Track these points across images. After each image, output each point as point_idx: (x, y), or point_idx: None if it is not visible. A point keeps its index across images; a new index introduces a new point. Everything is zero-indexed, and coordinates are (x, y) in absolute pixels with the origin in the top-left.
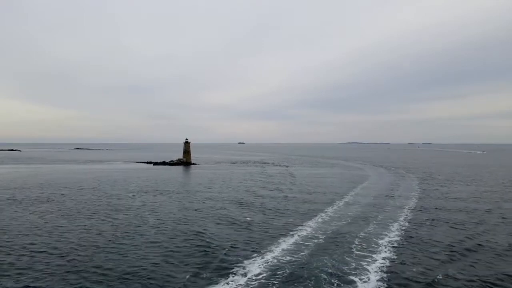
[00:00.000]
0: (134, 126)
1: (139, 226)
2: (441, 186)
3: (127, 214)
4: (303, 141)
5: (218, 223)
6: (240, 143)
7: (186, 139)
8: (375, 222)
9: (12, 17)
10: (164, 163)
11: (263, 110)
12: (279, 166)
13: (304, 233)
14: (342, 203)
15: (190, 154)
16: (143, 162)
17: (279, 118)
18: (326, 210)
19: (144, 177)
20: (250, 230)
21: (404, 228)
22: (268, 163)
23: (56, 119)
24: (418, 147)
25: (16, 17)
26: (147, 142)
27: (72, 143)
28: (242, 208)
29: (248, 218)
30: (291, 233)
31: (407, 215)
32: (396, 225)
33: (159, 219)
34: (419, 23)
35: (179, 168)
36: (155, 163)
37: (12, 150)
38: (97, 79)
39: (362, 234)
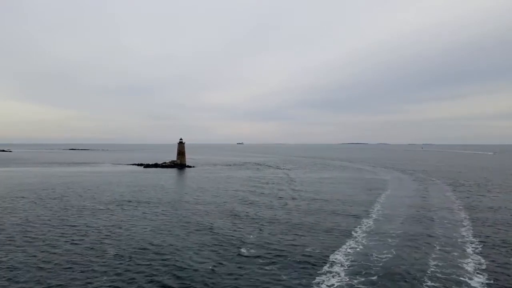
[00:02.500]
0: (134, 127)
1: (84, 271)
2: (481, 195)
3: (77, 244)
4: (303, 142)
5: (202, 263)
6: (239, 143)
7: (181, 139)
8: (436, 254)
9: (12, 17)
10: (156, 165)
11: (263, 110)
12: (280, 169)
13: (335, 281)
14: (371, 222)
15: (184, 155)
16: (133, 164)
17: (279, 118)
18: (354, 234)
19: (126, 183)
20: (250, 271)
21: (481, 264)
22: (268, 165)
23: (56, 119)
24: (422, 147)
25: (16, 17)
26: (147, 142)
27: (71, 144)
28: (236, 233)
29: (244, 250)
30: (316, 281)
31: (472, 242)
32: (470, 264)
33: (120, 253)
34: (419, 23)
35: (171, 172)
36: (146, 166)
37: (3, 151)
38: (97, 79)
39: (429, 284)
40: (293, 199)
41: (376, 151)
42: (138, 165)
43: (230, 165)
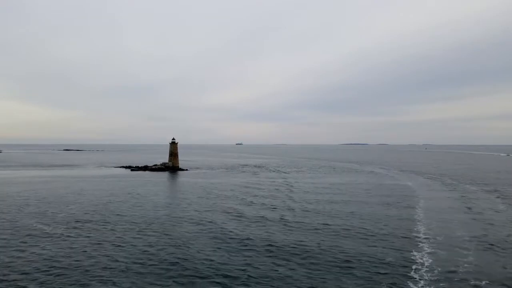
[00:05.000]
0: (134, 127)
1: None
2: None
3: None
4: (303, 142)
5: None
6: (238, 144)
7: (173, 139)
8: None
9: (12, 17)
10: (145, 168)
11: (262, 111)
12: (281, 173)
13: None
14: (428, 260)
15: (177, 157)
16: (121, 167)
17: (279, 119)
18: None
19: (100, 191)
20: None
21: None
22: (268, 169)
23: (56, 120)
24: (425, 148)
25: (16, 17)
26: (147, 143)
27: (69, 144)
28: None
29: None
30: None
31: None
32: None
33: None
34: (419, 23)
35: (159, 176)
36: (134, 168)
37: None
38: (98, 80)
39: None
40: (302, 222)
41: (379, 152)
42: (126, 168)
43: (227, 168)
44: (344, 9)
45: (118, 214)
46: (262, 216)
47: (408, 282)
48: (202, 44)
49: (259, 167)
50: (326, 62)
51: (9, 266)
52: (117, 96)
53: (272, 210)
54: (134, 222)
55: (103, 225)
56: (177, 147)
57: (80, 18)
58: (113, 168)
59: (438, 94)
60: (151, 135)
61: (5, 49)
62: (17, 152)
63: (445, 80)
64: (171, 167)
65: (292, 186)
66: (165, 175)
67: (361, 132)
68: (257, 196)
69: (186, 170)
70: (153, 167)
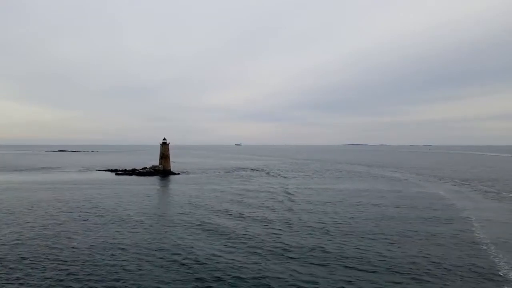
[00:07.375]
0: (134, 128)
1: None
2: None
3: None
4: (302, 143)
5: None
6: (237, 144)
7: (164, 139)
8: None
9: (13, 17)
10: (132, 172)
11: (262, 111)
12: (283, 178)
13: None
14: None
15: (168, 159)
16: (106, 170)
17: (279, 119)
18: None
19: (62, 203)
20: None
21: None
22: (267, 173)
23: (56, 120)
24: (429, 149)
25: (17, 18)
26: (147, 143)
27: (67, 145)
28: None
29: None
30: None
31: None
32: None
33: None
34: (419, 23)
35: (145, 182)
36: (119, 172)
37: None
38: (97, 80)
39: None
40: (311, 269)
41: (382, 153)
42: (111, 171)
43: (223, 171)
44: (344, 9)
45: (58, 247)
46: (241, 268)
47: None
48: (202, 44)
49: (257, 170)
50: (326, 62)
51: None
52: (117, 96)
53: (268, 250)
54: (75, 261)
55: (28, 268)
56: (168, 149)
57: (80, 18)
58: (97, 171)
59: (438, 94)
60: (151, 135)
61: (5, 49)
62: (7, 153)
63: (445, 80)
64: (162, 170)
65: (294, 200)
66: (152, 180)
67: (361, 132)
68: (250, 217)
69: (178, 174)
70: (141, 170)
